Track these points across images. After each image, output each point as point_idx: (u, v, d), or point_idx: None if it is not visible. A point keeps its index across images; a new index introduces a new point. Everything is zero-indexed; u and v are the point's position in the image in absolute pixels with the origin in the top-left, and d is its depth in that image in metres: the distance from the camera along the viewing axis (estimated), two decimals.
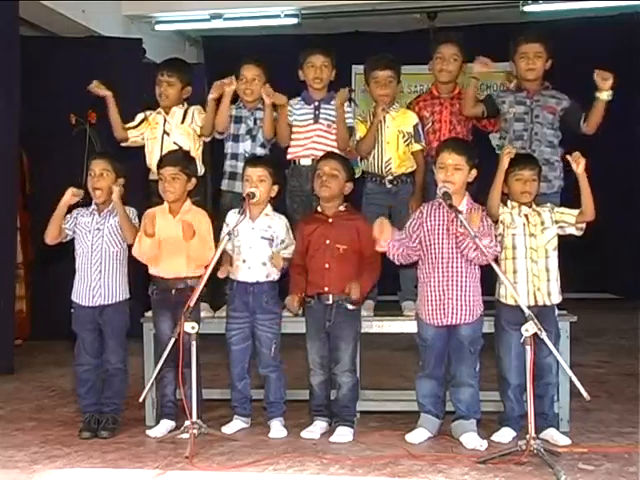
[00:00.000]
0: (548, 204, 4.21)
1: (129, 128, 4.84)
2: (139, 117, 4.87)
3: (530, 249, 4.11)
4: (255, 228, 4.35)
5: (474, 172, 4.12)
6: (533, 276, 4.09)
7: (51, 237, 4.37)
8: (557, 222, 4.14)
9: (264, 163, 4.40)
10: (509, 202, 4.18)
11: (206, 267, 4.10)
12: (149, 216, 4.31)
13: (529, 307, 3.84)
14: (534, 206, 4.16)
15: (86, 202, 4.44)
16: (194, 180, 4.41)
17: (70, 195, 4.33)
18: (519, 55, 4.59)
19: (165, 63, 4.96)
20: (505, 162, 4.11)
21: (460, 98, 4.83)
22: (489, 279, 4.13)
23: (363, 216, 4.47)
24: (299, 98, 4.83)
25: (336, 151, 4.61)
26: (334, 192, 4.28)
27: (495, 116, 4.79)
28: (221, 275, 4.27)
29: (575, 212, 4.13)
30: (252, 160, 4.47)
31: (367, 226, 4.30)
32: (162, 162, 4.44)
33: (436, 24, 8.63)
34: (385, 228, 4.11)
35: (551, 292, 4.11)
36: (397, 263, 4.19)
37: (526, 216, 4.13)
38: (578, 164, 4.03)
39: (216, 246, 4.21)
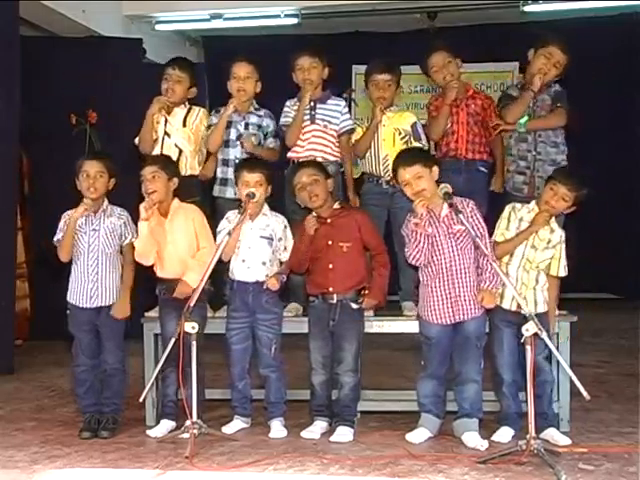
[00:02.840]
0: (563, 234, 4.16)
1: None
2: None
3: (526, 259, 4.11)
4: (254, 228, 4.35)
5: (435, 169, 4.10)
6: (522, 284, 4.10)
7: (67, 255, 4.33)
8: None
9: (261, 167, 4.38)
10: (533, 204, 4.15)
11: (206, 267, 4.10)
12: (147, 201, 4.26)
13: (512, 312, 3.87)
14: (552, 221, 4.12)
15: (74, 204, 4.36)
16: (176, 180, 4.37)
17: (83, 210, 4.27)
18: (541, 53, 4.58)
19: (176, 59, 4.91)
20: (539, 224, 4.05)
21: (475, 98, 4.82)
22: None
23: (361, 210, 4.46)
24: (295, 100, 4.81)
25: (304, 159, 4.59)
26: (323, 198, 4.25)
27: None
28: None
29: (562, 271, 4.13)
30: (249, 165, 4.42)
31: (365, 217, 4.33)
32: (144, 163, 4.44)
33: (436, 24, 8.63)
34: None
35: (537, 300, 4.12)
36: (412, 260, 4.13)
37: None
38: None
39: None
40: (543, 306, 4.14)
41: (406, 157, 4.17)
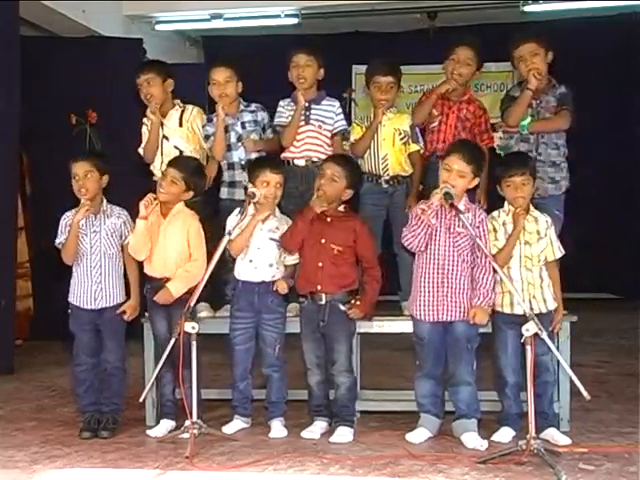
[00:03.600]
0: (548, 219, 4.17)
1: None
2: (145, 132, 4.80)
3: (525, 257, 4.10)
4: (264, 229, 4.34)
5: (476, 180, 4.13)
6: (528, 284, 4.10)
7: (72, 258, 4.31)
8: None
9: (282, 169, 4.38)
10: (506, 205, 4.16)
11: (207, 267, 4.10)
12: (147, 198, 4.27)
13: (525, 316, 3.86)
14: (532, 210, 4.14)
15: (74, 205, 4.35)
16: (192, 194, 4.34)
17: (84, 212, 4.25)
18: (517, 59, 4.57)
19: (139, 66, 4.95)
20: (520, 221, 4.05)
21: (469, 103, 4.81)
22: None
23: (361, 219, 4.45)
24: (289, 100, 4.79)
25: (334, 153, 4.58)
26: (328, 197, 4.23)
27: None
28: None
29: (557, 252, 4.13)
30: (274, 164, 4.37)
31: (364, 228, 4.30)
32: (173, 161, 4.44)
33: (436, 24, 8.64)
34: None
35: (546, 298, 4.12)
36: (405, 241, 4.12)
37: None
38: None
39: (215, 247, 4.19)
40: (553, 303, 4.14)
41: (466, 150, 4.12)
